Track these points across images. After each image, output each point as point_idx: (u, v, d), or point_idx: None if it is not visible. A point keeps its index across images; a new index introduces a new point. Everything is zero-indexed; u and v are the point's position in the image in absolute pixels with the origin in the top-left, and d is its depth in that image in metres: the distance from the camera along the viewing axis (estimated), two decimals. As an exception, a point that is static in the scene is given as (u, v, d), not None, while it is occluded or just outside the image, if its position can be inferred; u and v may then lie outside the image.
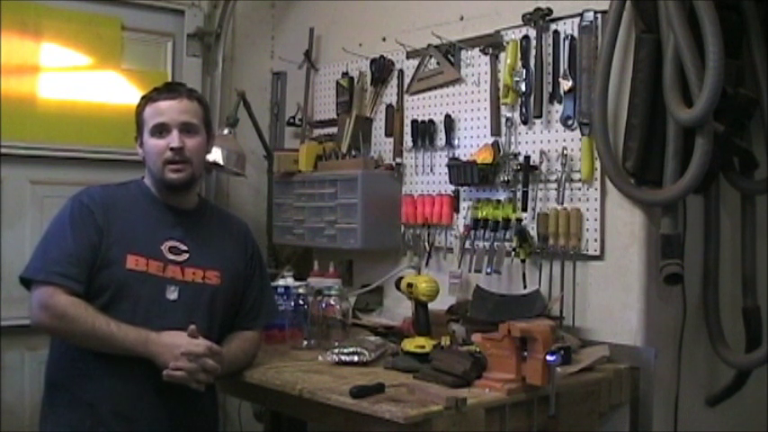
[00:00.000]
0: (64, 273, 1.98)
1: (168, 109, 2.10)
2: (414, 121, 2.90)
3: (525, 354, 1.95)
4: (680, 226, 2.33)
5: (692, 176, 2.17)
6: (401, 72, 3.00)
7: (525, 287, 2.50)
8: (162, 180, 2.12)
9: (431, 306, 2.30)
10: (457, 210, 2.76)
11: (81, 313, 1.95)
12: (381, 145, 3.06)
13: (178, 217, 2.17)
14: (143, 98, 2.17)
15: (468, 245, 2.64)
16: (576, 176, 2.43)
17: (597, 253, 2.38)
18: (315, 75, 3.37)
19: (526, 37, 2.57)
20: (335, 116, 3.22)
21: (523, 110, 2.56)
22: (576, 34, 2.44)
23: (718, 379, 2.58)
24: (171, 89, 2.18)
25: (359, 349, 2.27)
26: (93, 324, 1.94)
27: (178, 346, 1.95)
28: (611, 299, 2.36)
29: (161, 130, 2.10)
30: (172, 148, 2.08)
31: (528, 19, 2.54)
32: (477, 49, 2.72)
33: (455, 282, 2.69)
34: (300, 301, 2.56)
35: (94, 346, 1.98)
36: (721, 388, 2.56)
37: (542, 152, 2.51)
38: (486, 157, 2.59)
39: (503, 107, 2.62)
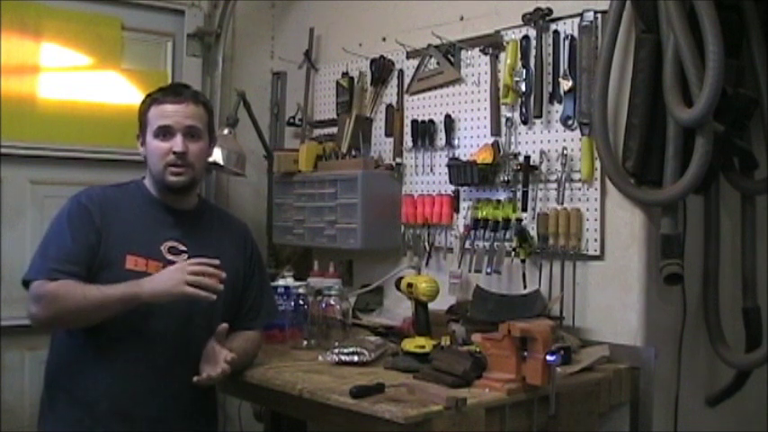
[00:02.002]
0: (63, 270, 1.98)
1: (173, 112, 2.10)
2: (414, 121, 2.90)
3: (525, 354, 1.95)
4: (680, 226, 2.33)
5: (692, 176, 2.17)
6: (401, 72, 3.00)
7: (525, 287, 2.50)
8: (162, 182, 2.12)
9: (431, 306, 2.30)
10: (457, 210, 2.76)
11: (70, 289, 1.95)
12: (381, 145, 3.06)
13: (177, 217, 2.17)
14: (148, 97, 2.16)
15: (468, 245, 2.64)
16: (576, 176, 2.43)
17: (597, 253, 2.38)
18: (315, 75, 3.37)
19: (526, 37, 2.57)
20: (335, 116, 3.22)
21: (523, 110, 2.56)
22: (576, 34, 2.44)
23: (718, 379, 2.58)
24: (177, 92, 2.16)
25: (359, 349, 2.27)
26: (83, 293, 1.94)
27: (174, 269, 1.97)
28: (611, 299, 2.36)
29: (165, 132, 2.09)
30: (175, 152, 2.08)
31: (528, 19, 2.54)
32: (477, 49, 2.72)
33: (455, 282, 2.69)
34: (300, 301, 2.57)
35: (92, 313, 1.96)
36: (721, 388, 2.56)
37: (542, 152, 2.51)
38: (486, 157, 2.59)
39: (503, 107, 2.62)
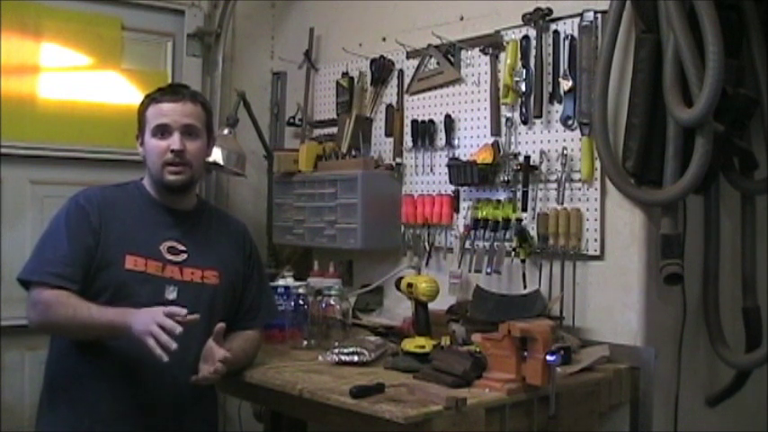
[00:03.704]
0: (58, 273, 1.98)
1: (171, 111, 2.10)
2: (414, 121, 2.90)
3: (525, 354, 1.95)
4: (680, 226, 2.33)
5: (692, 176, 2.17)
6: (401, 72, 3.00)
7: (525, 287, 2.50)
8: (160, 181, 2.12)
9: (431, 306, 2.30)
10: (457, 210, 2.76)
11: (63, 302, 1.95)
12: (381, 145, 3.06)
13: (176, 217, 2.17)
14: (146, 97, 2.17)
15: (468, 245, 2.64)
16: (576, 176, 2.43)
17: (597, 253, 2.38)
18: (315, 75, 3.37)
19: (526, 37, 2.57)
20: (335, 116, 3.22)
21: (523, 110, 2.56)
22: (576, 34, 2.44)
23: (718, 379, 2.58)
24: (175, 91, 2.18)
25: (359, 349, 2.27)
26: (74, 311, 1.94)
27: (151, 312, 1.88)
28: (611, 299, 2.36)
29: (162, 131, 2.10)
30: (172, 150, 2.08)
31: (528, 19, 2.54)
32: (477, 49, 2.72)
33: (455, 282, 2.68)
34: (300, 301, 2.56)
35: (80, 332, 1.97)
36: (721, 388, 2.56)
37: (542, 152, 2.51)
38: (486, 157, 2.59)
39: (503, 107, 2.62)
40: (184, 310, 1.91)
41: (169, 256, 2.10)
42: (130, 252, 2.05)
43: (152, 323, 1.85)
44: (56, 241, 2.04)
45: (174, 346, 1.83)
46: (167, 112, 2.10)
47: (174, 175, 2.10)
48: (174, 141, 2.08)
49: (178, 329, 1.85)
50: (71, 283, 1.99)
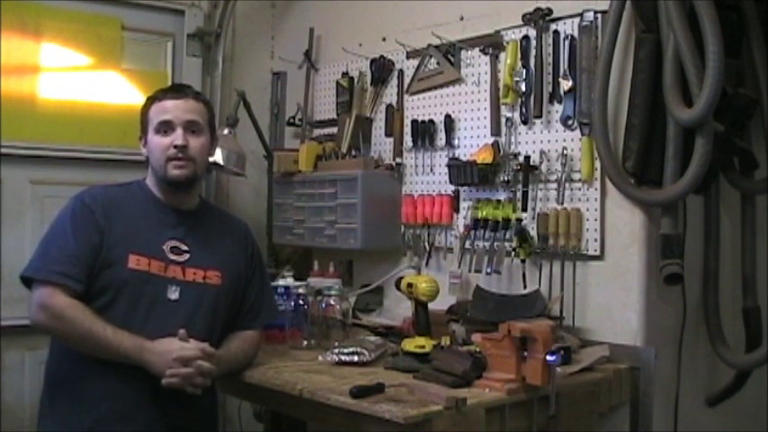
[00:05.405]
0: (64, 272, 1.98)
1: (174, 108, 2.12)
2: (414, 121, 2.90)
3: (525, 354, 1.94)
4: (680, 226, 2.33)
5: (692, 176, 2.17)
6: (401, 72, 3.00)
7: (525, 287, 2.50)
8: (164, 177, 2.12)
9: (431, 306, 2.30)
10: (457, 210, 2.76)
11: (78, 316, 1.96)
12: (381, 145, 3.06)
13: (179, 217, 2.17)
14: (149, 98, 2.19)
15: (468, 245, 2.64)
16: (576, 176, 2.43)
17: (597, 253, 2.38)
18: (315, 75, 3.37)
19: (526, 37, 2.57)
20: (335, 116, 3.22)
21: (523, 110, 2.56)
22: (576, 34, 2.44)
23: (719, 379, 2.58)
24: (177, 89, 2.20)
25: (359, 349, 2.27)
26: (89, 328, 1.95)
27: (170, 353, 1.95)
28: (611, 299, 2.36)
29: (166, 128, 2.10)
30: (176, 146, 2.09)
31: (528, 19, 2.54)
32: (477, 49, 2.72)
33: (455, 282, 2.69)
34: (300, 301, 2.56)
35: (90, 349, 1.98)
36: (721, 388, 2.56)
37: (542, 152, 2.51)
38: (486, 157, 2.59)
39: (503, 107, 2.62)
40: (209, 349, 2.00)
41: (172, 256, 2.10)
42: (133, 251, 2.05)
43: (172, 363, 1.94)
44: (62, 240, 2.04)
45: (208, 383, 1.99)
46: (170, 108, 2.12)
47: (178, 169, 2.10)
48: (178, 136, 2.09)
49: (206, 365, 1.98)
50: (76, 282, 1.99)
